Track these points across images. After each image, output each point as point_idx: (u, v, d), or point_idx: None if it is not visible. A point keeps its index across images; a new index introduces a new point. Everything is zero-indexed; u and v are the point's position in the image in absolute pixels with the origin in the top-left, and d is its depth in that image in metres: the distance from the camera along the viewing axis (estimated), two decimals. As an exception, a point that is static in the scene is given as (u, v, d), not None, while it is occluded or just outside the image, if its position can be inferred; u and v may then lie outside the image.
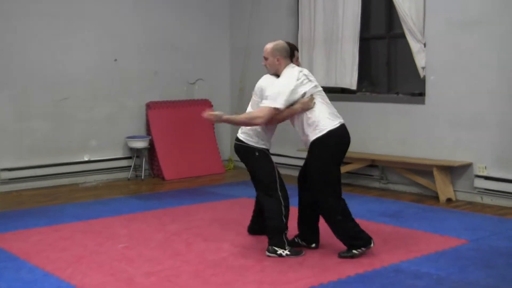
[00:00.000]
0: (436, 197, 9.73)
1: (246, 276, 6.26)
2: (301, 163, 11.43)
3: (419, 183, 10.08)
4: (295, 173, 11.54)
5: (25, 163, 10.99)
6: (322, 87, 11.28)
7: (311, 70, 11.43)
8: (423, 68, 10.02)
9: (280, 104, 6.77)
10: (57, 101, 11.30)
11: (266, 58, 7.09)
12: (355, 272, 6.29)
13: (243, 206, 9.22)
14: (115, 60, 11.89)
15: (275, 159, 12.14)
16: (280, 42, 7.12)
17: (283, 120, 7.06)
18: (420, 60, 10.03)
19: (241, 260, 6.73)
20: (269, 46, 7.07)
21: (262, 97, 7.00)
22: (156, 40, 12.34)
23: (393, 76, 10.87)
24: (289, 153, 11.83)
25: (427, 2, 9.96)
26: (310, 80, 7.00)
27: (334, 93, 11.35)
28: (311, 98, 6.88)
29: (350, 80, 11.05)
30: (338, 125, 7.06)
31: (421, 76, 10.07)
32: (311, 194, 7.07)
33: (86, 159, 11.63)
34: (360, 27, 10.90)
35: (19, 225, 8.42)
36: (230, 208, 9.31)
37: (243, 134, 7.19)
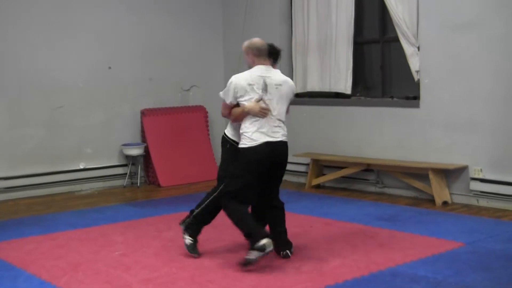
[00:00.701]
0: (432, 200, 9.72)
1: (242, 282, 6.24)
2: (297, 168, 11.54)
3: (415, 187, 10.08)
4: (292, 178, 11.65)
5: (20, 172, 10.97)
6: (316, 92, 11.44)
7: (305, 75, 11.51)
8: (417, 71, 10.02)
9: (226, 98, 7.00)
10: (52, 109, 11.29)
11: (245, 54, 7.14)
12: (352, 276, 6.28)
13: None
14: (109, 67, 11.88)
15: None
16: (256, 41, 7.10)
17: (235, 119, 7.06)
18: (414, 63, 10.03)
19: (236, 266, 6.71)
20: (245, 43, 7.12)
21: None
22: (150, 47, 12.33)
23: (387, 80, 10.88)
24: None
25: (420, 5, 9.96)
26: (253, 91, 6.92)
27: (328, 97, 11.39)
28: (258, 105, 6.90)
29: (344, 84, 11.05)
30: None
31: (416, 79, 10.07)
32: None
33: (81, 167, 11.62)
34: (353, 31, 10.91)
35: (14, 234, 8.40)
36: (224, 215, 9.28)
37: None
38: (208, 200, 7.18)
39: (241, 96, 6.90)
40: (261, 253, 6.49)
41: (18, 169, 10.97)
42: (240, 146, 6.91)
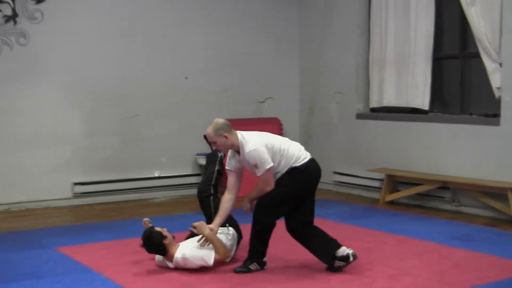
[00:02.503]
0: (510, 221, 9.49)
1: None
2: (371, 183, 11.45)
3: (493, 206, 9.86)
4: (365, 193, 11.57)
5: (96, 178, 11.16)
6: (393, 106, 11.32)
7: (381, 90, 11.43)
8: (498, 88, 9.82)
9: (270, 162, 6.79)
10: (128, 118, 11.44)
11: (214, 143, 7.00)
12: (426, 296, 6.20)
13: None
14: (186, 78, 11.98)
15: (343, 178, 12.16)
16: (217, 121, 7.07)
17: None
18: (495, 80, 9.84)
19: (308, 280, 6.68)
20: (210, 130, 6.98)
21: (253, 170, 6.90)
22: (226, 58, 12.38)
23: (466, 96, 10.69)
24: (358, 173, 11.73)
25: (503, 20, 9.71)
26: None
27: (405, 113, 11.26)
28: None
29: (422, 100, 10.91)
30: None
31: (496, 96, 9.88)
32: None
33: (156, 175, 11.72)
34: (433, 46, 10.77)
35: (89, 238, 8.56)
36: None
37: None
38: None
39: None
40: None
41: (93, 176, 11.15)
42: (295, 165, 6.94)
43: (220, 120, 7.08)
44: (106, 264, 7.26)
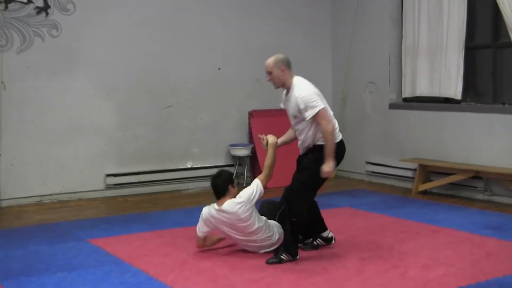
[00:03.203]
0: (542, 211, 9.49)
1: (346, 286, 6.23)
2: (404, 173, 11.43)
3: (525, 196, 9.85)
4: (398, 183, 11.55)
5: (129, 170, 11.24)
6: (426, 96, 11.29)
7: (414, 80, 11.40)
8: (530, 78, 9.78)
9: (322, 105, 6.99)
10: (161, 109, 11.51)
11: (270, 73, 7.14)
12: (457, 285, 6.18)
13: (344, 216, 9.20)
14: (219, 68, 12.02)
15: (376, 168, 12.20)
16: (280, 54, 7.17)
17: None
18: (527, 70, 9.79)
19: (341, 270, 6.71)
20: (270, 59, 7.13)
21: (302, 112, 6.98)
22: (259, 48, 12.37)
23: (499, 86, 10.64)
24: (391, 163, 11.71)
25: (535, 10, 9.70)
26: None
27: (437, 102, 11.23)
28: None
29: (454, 90, 10.87)
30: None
31: (529, 86, 9.84)
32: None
33: (189, 166, 11.78)
34: (465, 36, 10.72)
35: (123, 230, 8.62)
36: (331, 217, 9.26)
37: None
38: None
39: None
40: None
41: (127, 167, 11.23)
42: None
43: (283, 55, 7.20)
44: (138, 256, 7.32)
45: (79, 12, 10.73)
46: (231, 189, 7.20)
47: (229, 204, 7.08)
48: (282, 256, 6.99)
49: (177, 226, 8.77)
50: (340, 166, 7.89)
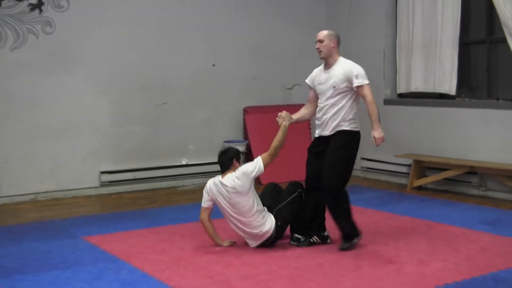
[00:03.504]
0: (537, 206, 9.50)
1: (342, 282, 6.23)
2: (399, 169, 11.44)
3: (520, 191, 9.87)
4: (393, 179, 11.56)
5: (124, 166, 11.22)
6: (420, 92, 11.30)
7: (409, 75, 11.40)
8: (524, 73, 9.79)
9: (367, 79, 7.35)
10: (156, 106, 11.50)
11: (321, 41, 7.52)
12: (453, 280, 6.19)
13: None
14: (213, 65, 12.01)
15: (371, 164, 12.21)
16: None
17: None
18: (521, 65, 9.80)
19: (337, 266, 6.71)
20: (325, 30, 7.58)
21: (351, 79, 7.26)
22: (254, 45, 12.39)
23: (493, 81, 10.65)
24: (386, 159, 11.71)
25: (530, 5, 9.70)
26: None
27: (432, 98, 11.24)
28: None
29: (449, 85, 10.87)
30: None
31: (523, 81, 9.85)
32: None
33: (184, 163, 11.78)
34: (459, 31, 10.72)
35: (118, 227, 8.60)
36: (326, 214, 9.26)
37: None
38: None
39: None
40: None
41: (122, 164, 11.22)
42: (355, 129, 7.37)
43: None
44: (134, 253, 7.31)
45: (73, 9, 10.70)
46: (236, 164, 7.48)
47: (228, 177, 7.33)
48: (353, 241, 7.32)
49: (172, 223, 8.76)
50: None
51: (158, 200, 10.53)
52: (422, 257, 6.96)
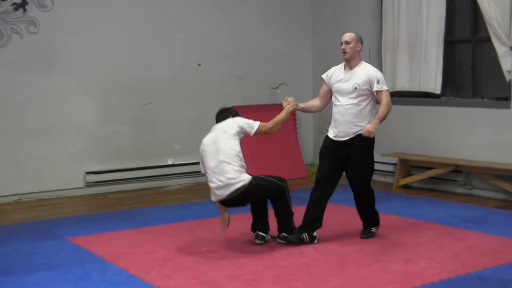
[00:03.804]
0: (522, 204, 9.53)
1: (327, 281, 6.23)
2: (384, 167, 11.45)
3: (505, 189, 9.87)
4: (379, 178, 11.57)
5: (110, 167, 11.19)
6: (406, 91, 11.32)
7: (394, 74, 11.40)
8: (509, 72, 9.80)
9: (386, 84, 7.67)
10: (141, 106, 11.47)
11: (348, 42, 7.63)
12: (438, 279, 6.21)
13: (325, 211, 9.19)
14: (199, 64, 12.00)
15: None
16: None
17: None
18: (506, 63, 9.82)
19: (323, 266, 6.71)
20: (351, 33, 7.75)
21: (373, 83, 7.53)
22: (239, 44, 12.39)
23: (478, 80, 10.69)
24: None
25: (514, 4, 9.74)
26: None
27: (417, 97, 11.26)
28: None
29: (434, 84, 10.90)
30: None
31: (507, 80, 9.87)
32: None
33: (169, 163, 11.76)
34: (444, 30, 10.75)
35: (104, 227, 8.56)
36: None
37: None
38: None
39: None
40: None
41: (107, 164, 11.18)
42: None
43: None
44: (119, 254, 7.28)
45: (58, 9, 10.64)
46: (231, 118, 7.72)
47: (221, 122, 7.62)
48: (372, 230, 7.82)
49: (158, 223, 8.74)
50: (317, 160, 8.02)
51: (143, 200, 10.50)
52: (408, 256, 6.98)
